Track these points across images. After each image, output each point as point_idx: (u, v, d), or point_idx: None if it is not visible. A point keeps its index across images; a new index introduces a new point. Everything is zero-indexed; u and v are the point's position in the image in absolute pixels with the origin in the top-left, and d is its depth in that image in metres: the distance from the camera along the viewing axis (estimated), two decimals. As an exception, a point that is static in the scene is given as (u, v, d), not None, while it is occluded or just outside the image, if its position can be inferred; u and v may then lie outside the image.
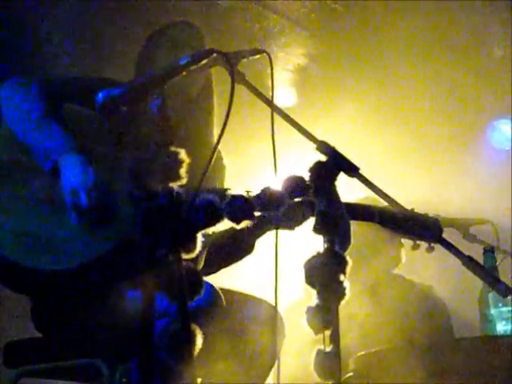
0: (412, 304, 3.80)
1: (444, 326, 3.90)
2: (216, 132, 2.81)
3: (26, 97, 2.43)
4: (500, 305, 2.94)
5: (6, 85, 2.48)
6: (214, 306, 2.33)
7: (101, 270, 2.26)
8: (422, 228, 2.33)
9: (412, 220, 2.30)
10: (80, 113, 2.50)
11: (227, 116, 1.87)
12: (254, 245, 2.70)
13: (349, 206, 2.35)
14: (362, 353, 2.75)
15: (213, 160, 1.91)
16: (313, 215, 1.89)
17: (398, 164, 5.15)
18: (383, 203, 2.09)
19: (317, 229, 1.86)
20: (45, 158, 2.31)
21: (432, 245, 2.60)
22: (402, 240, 3.78)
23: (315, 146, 1.96)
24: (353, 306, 1.96)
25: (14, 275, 2.29)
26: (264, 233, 2.62)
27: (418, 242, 2.64)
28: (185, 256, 1.81)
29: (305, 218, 2.49)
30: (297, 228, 2.54)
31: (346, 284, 1.85)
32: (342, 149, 1.93)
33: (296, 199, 1.98)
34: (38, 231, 2.27)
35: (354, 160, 1.92)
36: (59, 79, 2.63)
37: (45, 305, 2.45)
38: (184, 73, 1.97)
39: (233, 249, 2.69)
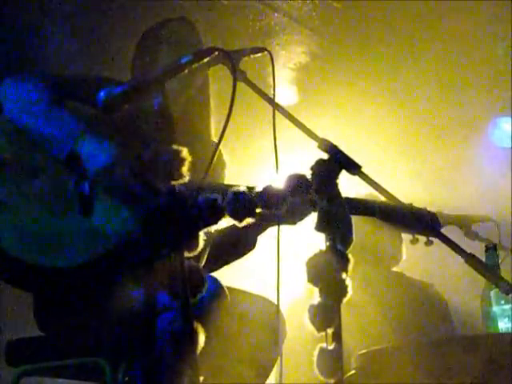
0: (413, 302, 3.80)
1: (445, 323, 3.90)
2: (214, 130, 2.82)
3: (32, 88, 2.41)
4: (502, 302, 2.94)
5: (8, 80, 2.47)
6: (217, 302, 2.33)
7: (104, 268, 2.26)
8: (420, 222, 2.34)
9: (410, 214, 2.30)
10: (81, 111, 2.49)
11: (229, 114, 1.88)
12: (255, 241, 2.71)
13: (349, 200, 2.35)
14: (364, 351, 2.75)
15: (215, 157, 1.92)
16: (314, 211, 1.88)
17: (399, 162, 5.15)
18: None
19: (319, 227, 1.86)
20: (60, 145, 2.28)
21: (430, 239, 2.61)
22: (402, 235, 3.79)
23: (317, 143, 1.96)
24: (354, 303, 1.96)
25: (17, 272, 2.29)
26: (266, 229, 2.62)
27: (416, 235, 2.65)
28: (187, 254, 1.81)
29: (306, 213, 2.50)
30: (298, 222, 2.54)
31: (348, 282, 1.85)
32: (343, 147, 1.93)
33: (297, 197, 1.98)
34: (42, 228, 2.27)
35: (356, 158, 1.92)
36: (60, 77, 2.62)
37: (47, 303, 2.45)
38: (186, 71, 1.97)
39: (235, 245, 2.70)
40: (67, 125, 2.31)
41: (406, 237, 2.74)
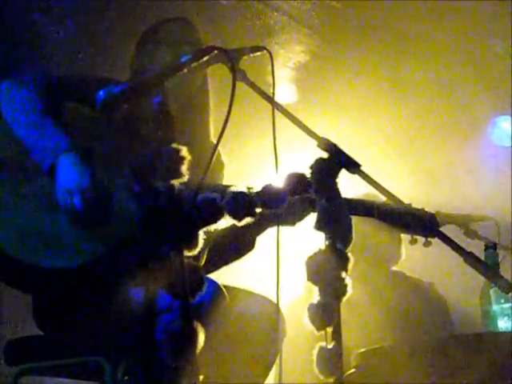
0: (412, 301, 3.80)
1: (445, 322, 3.90)
2: (213, 129, 2.81)
3: (25, 95, 2.43)
4: (502, 301, 2.94)
5: (5, 83, 2.48)
6: (216, 302, 2.33)
7: (103, 267, 2.26)
8: (418, 223, 2.34)
9: (409, 215, 2.30)
10: (80, 111, 2.49)
11: (228, 113, 1.87)
12: (255, 241, 2.70)
13: (348, 201, 2.35)
14: (363, 349, 2.76)
15: (214, 157, 1.91)
16: (313, 211, 1.88)
17: (398, 161, 5.15)
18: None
19: (318, 226, 1.86)
20: (42, 158, 2.31)
21: (429, 239, 2.61)
22: (401, 235, 3.79)
23: (316, 142, 1.96)
24: (354, 302, 1.96)
25: (17, 273, 2.29)
26: (265, 229, 2.62)
27: (415, 236, 2.65)
28: (187, 253, 1.81)
29: (305, 214, 2.49)
30: (298, 224, 2.54)
31: (348, 281, 1.85)
32: (343, 145, 1.93)
33: (297, 196, 1.98)
34: (41, 229, 2.27)
35: (355, 157, 1.92)
36: (59, 77, 2.62)
37: (47, 303, 2.45)
38: (185, 70, 1.97)
39: (234, 246, 2.69)
40: (52, 139, 2.33)
41: (405, 237, 2.74)
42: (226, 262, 2.76)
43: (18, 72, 2.59)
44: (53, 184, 2.30)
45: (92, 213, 2.23)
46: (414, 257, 4.00)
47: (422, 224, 2.43)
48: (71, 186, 2.25)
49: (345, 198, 1.94)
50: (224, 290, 2.39)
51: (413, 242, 2.68)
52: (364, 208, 2.50)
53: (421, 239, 2.65)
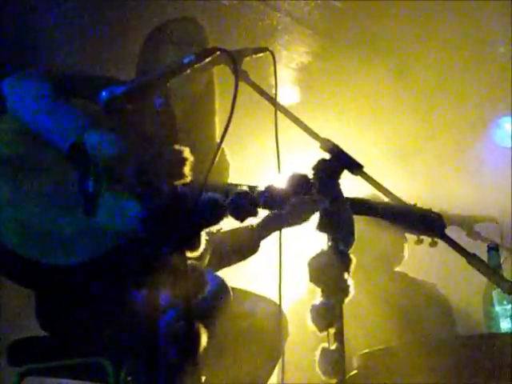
0: (415, 302, 3.80)
1: (448, 323, 3.90)
2: (219, 130, 2.81)
3: (37, 84, 2.40)
4: (504, 302, 2.94)
5: (12, 77, 2.46)
6: (220, 297, 2.33)
7: (106, 267, 2.25)
8: (425, 223, 2.34)
9: (415, 215, 2.30)
10: (87, 107, 2.48)
11: (231, 114, 1.87)
12: (259, 244, 2.70)
13: (352, 200, 2.35)
14: (366, 351, 2.75)
15: (217, 157, 1.91)
16: (317, 210, 1.89)
17: (401, 161, 5.15)
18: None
19: (320, 227, 1.86)
20: (64, 137, 2.25)
21: (435, 239, 2.61)
22: (406, 235, 3.79)
23: (319, 143, 1.96)
24: (356, 303, 1.96)
25: (21, 269, 2.28)
26: (270, 234, 2.62)
27: (421, 236, 2.65)
28: (189, 254, 1.82)
29: (311, 213, 2.49)
30: (305, 222, 2.54)
31: (350, 282, 1.85)
32: (345, 146, 1.93)
33: (300, 196, 1.98)
34: (46, 226, 2.27)
35: (358, 158, 1.92)
36: (64, 74, 2.61)
37: (50, 303, 2.45)
38: (188, 71, 1.97)
39: (238, 249, 2.70)
40: (73, 118, 2.28)
41: (411, 237, 2.73)
42: (229, 264, 2.77)
43: (20, 70, 2.57)
44: (63, 177, 2.27)
45: (146, 174, 2.12)
46: (417, 258, 4.01)
47: (429, 224, 2.43)
48: (116, 151, 2.14)
49: (349, 198, 1.94)
50: (227, 284, 2.39)
51: (418, 242, 2.68)
52: (369, 208, 2.50)
53: (426, 239, 2.65)
